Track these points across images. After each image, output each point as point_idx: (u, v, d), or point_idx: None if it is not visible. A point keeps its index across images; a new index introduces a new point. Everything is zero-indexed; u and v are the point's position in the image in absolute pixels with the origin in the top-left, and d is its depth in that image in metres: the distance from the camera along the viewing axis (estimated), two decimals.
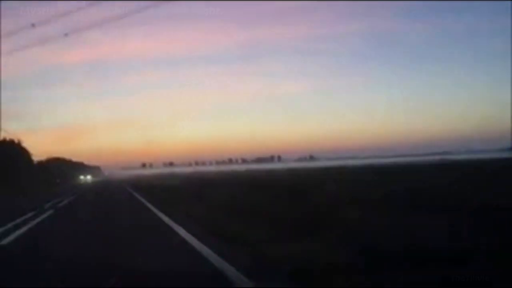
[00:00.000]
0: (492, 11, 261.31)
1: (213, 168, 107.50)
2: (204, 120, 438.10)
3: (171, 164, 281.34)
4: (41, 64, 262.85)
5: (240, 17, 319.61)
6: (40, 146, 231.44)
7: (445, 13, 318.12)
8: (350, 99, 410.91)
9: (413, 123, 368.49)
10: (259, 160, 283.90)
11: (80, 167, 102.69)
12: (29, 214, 14.31)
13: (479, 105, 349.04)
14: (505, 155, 52.26)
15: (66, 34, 25.69)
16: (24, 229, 10.54)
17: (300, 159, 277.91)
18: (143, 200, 19.61)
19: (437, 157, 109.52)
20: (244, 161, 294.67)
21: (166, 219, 11.14)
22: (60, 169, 47.06)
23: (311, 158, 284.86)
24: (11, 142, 50.95)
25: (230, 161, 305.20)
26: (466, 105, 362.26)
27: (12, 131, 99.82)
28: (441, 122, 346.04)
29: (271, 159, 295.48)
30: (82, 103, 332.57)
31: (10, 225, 11.32)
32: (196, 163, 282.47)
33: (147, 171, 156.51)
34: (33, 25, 22.59)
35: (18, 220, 12.41)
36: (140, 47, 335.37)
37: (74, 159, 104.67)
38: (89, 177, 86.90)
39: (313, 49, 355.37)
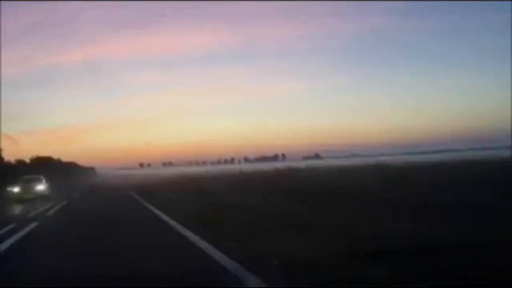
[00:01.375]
0: (493, 9, 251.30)
1: (231, 167, 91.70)
2: (203, 119, 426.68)
3: (170, 163, 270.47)
4: (39, 64, 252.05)
5: (240, 16, 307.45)
6: (37, 147, 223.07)
7: (444, 11, 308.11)
8: (351, 97, 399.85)
9: (413, 121, 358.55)
10: (263, 159, 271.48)
11: (71, 169, 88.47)
12: None
13: (478, 102, 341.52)
14: (507, 153, 46.63)
15: None
16: None
17: (305, 158, 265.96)
18: None
19: (440, 155, 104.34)
20: (246, 160, 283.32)
21: None
22: (36, 172, 34.00)
23: (317, 156, 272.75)
24: None
25: (232, 160, 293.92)
26: (466, 102, 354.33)
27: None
28: (442, 120, 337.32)
29: (275, 158, 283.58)
30: (79, 103, 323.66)
31: None
32: (197, 163, 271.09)
33: (147, 171, 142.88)
34: None
35: None
36: (138, 47, 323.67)
37: (65, 159, 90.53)
38: (41, 188, 29.43)
39: (313, 47, 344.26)
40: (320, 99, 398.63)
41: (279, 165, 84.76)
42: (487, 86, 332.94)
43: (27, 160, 74.75)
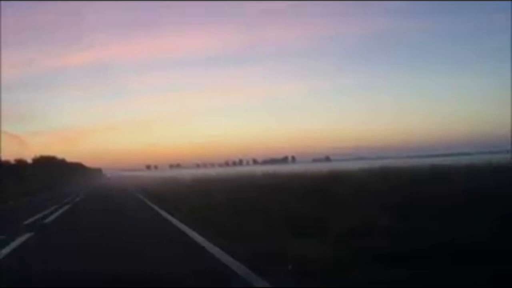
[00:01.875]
0: (493, 10, 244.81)
1: (246, 169, 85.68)
2: (210, 121, 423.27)
3: (178, 165, 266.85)
4: (45, 66, 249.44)
5: (243, 17, 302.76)
6: (42, 148, 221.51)
7: (445, 12, 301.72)
8: (357, 99, 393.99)
9: (418, 124, 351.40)
10: (272, 161, 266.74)
11: (76, 170, 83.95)
12: None
13: (482, 104, 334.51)
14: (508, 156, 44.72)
15: None
16: None
17: (315, 160, 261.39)
18: None
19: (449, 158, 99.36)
20: (255, 162, 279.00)
21: None
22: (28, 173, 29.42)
23: (327, 159, 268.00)
24: None
25: (240, 162, 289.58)
26: (473, 105, 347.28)
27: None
28: (449, 122, 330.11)
29: (284, 160, 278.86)
30: (85, 105, 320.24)
31: None
32: (204, 165, 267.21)
33: (155, 174, 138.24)
34: None
35: None
36: (143, 49, 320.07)
37: (71, 160, 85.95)
38: None
39: (317, 48, 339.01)
40: (327, 100, 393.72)
41: (294, 167, 79.02)
42: (496, 87, 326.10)
43: (29, 160, 70.47)
